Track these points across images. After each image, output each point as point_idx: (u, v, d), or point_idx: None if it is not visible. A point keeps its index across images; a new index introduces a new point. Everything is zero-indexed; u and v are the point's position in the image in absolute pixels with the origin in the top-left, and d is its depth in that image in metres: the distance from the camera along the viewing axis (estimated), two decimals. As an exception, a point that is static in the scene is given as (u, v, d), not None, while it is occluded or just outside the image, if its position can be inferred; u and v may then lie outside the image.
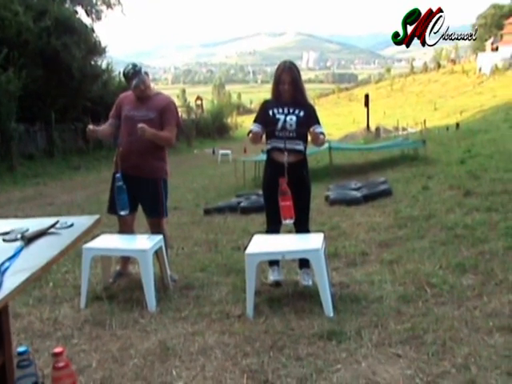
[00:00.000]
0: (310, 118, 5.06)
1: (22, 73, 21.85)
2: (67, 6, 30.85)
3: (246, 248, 4.71)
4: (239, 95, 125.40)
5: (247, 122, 69.42)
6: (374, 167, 15.47)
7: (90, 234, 2.45)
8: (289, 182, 4.81)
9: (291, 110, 5.03)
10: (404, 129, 41.18)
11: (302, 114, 5.03)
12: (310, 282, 5.00)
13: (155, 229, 5.41)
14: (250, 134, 5.05)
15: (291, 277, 5.37)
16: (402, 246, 6.31)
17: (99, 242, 5.06)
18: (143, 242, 5.00)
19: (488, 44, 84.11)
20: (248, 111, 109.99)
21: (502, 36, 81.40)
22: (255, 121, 5.15)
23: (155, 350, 3.75)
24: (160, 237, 5.13)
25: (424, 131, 23.06)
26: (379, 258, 5.89)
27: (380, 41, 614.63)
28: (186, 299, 4.87)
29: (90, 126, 5.32)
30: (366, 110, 41.62)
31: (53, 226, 2.38)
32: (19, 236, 2.31)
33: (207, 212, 10.10)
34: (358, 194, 9.95)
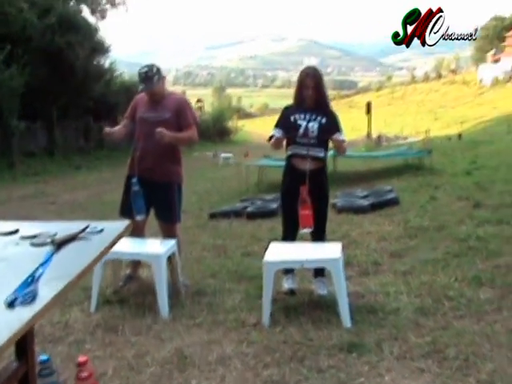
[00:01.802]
0: (332, 125, 4.98)
1: (25, 70, 21.76)
2: (72, 3, 30.73)
3: (263, 256, 4.61)
4: (239, 99, 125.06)
5: (247, 126, 69.47)
6: (378, 175, 15.37)
7: (120, 239, 2.35)
8: (308, 189, 4.72)
9: (313, 117, 4.94)
10: (405, 138, 41.08)
11: (324, 120, 4.94)
12: (325, 292, 4.92)
13: (167, 233, 5.32)
14: (272, 140, 4.96)
15: (305, 285, 5.28)
16: (415, 256, 6.22)
17: (111, 244, 4.95)
18: (156, 247, 4.92)
19: (489, 56, 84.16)
20: (248, 115, 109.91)
21: (503, 48, 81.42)
22: (276, 126, 5.07)
23: (172, 359, 3.66)
24: (173, 242, 5.03)
25: (427, 141, 22.92)
26: (392, 268, 5.80)
27: (381, 48, 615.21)
28: (198, 306, 4.77)
29: (107, 129, 5.26)
30: (367, 117, 41.53)
31: (83, 230, 2.29)
32: (49, 240, 2.22)
33: (212, 216, 9.99)
34: (365, 202, 9.84)
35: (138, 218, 5.01)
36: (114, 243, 2.26)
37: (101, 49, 29.65)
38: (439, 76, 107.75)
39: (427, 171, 14.52)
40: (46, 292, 1.77)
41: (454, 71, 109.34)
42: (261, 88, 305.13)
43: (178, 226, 5.42)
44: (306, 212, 4.71)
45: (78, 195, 15.37)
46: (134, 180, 4.98)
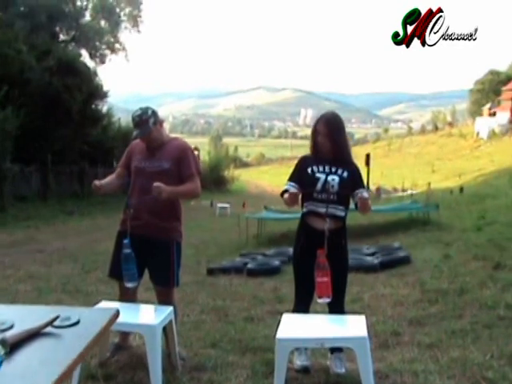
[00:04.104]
0: (354, 180, 4.36)
1: (20, 111, 21.35)
2: (71, 47, 30.63)
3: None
4: (236, 148, 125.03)
5: (244, 176, 69.13)
6: (382, 230, 14.77)
7: (103, 335, 1.70)
8: (326, 253, 4.07)
9: (333, 169, 4.32)
10: (404, 190, 40.70)
11: (345, 174, 4.32)
12: (344, 370, 4.24)
13: (162, 298, 4.63)
14: (286, 195, 4.29)
15: (318, 360, 4.59)
16: (438, 325, 5.54)
17: (98, 310, 4.28)
18: (150, 316, 4.24)
19: (485, 109, 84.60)
20: (244, 164, 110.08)
21: (499, 102, 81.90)
22: (290, 179, 4.43)
23: None
24: (170, 309, 4.35)
25: (430, 194, 22.39)
26: (415, 339, 5.12)
27: (377, 101, 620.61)
28: (197, 384, 4.08)
29: (96, 182, 4.60)
30: (366, 169, 41.10)
31: (50, 323, 1.64)
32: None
33: (210, 272, 9.35)
34: (374, 260, 9.21)
35: (130, 285, 4.36)
36: (94, 342, 1.61)
37: (99, 93, 29.36)
38: (436, 128, 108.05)
39: (434, 226, 13.94)
40: None
41: (450, 124, 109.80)
42: (257, 138, 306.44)
43: (175, 290, 4.75)
44: (323, 279, 4.02)
45: (69, 243, 14.71)
46: (126, 241, 4.32)
